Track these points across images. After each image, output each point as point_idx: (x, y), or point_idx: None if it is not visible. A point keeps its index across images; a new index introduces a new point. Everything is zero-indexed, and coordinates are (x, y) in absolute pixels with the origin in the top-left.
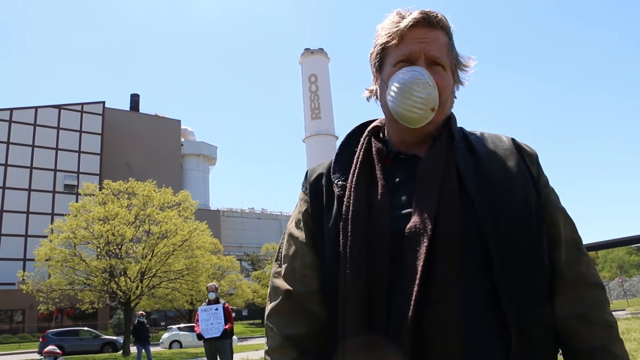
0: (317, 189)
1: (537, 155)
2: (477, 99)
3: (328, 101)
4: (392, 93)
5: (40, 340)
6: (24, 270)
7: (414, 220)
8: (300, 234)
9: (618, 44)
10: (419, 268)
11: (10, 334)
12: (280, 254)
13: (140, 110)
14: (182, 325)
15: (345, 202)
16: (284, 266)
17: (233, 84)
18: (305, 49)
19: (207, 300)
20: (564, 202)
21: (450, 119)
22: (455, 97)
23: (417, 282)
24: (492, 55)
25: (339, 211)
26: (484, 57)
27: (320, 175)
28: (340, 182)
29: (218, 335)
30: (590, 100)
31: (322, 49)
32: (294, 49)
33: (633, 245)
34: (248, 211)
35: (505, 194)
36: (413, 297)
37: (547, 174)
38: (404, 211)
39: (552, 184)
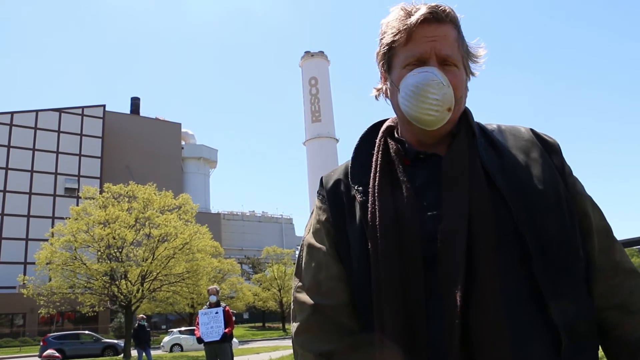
0: (336, 196)
1: (558, 145)
2: (477, 99)
3: (328, 104)
4: (406, 97)
5: (41, 344)
6: (24, 274)
7: (447, 222)
8: (322, 245)
9: (617, 45)
10: (460, 271)
11: (11, 337)
12: (300, 268)
13: (141, 114)
14: (183, 328)
15: (370, 208)
16: (306, 280)
17: (233, 87)
18: (306, 52)
19: (207, 304)
20: None
21: (467, 114)
22: (468, 89)
23: (459, 285)
24: (492, 56)
25: (364, 217)
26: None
27: (337, 182)
28: (360, 187)
29: (218, 339)
30: (590, 100)
31: (322, 52)
32: (294, 52)
33: (634, 247)
34: (249, 214)
35: (534, 188)
36: (458, 302)
37: None
38: (431, 213)
39: None
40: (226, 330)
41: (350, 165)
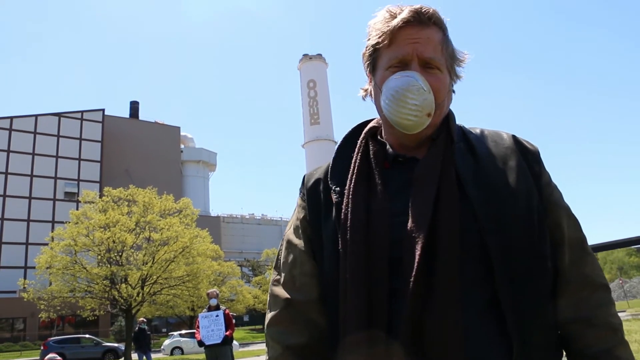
0: (314, 195)
1: (538, 152)
2: (476, 100)
3: (327, 106)
4: (387, 100)
5: (42, 348)
6: (24, 278)
7: (410, 227)
8: (299, 242)
9: (616, 45)
10: (413, 277)
11: (12, 342)
12: (279, 262)
13: (140, 118)
14: (183, 331)
15: (343, 210)
16: (283, 274)
17: (232, 90)
18: (304, 55)
19: (207, 307)
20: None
21: (449, 118)
22: (454, 92)
23: (417, 290)
24: (490, 56)
25: (337, 218)
26: (481, 57)
27: (317, 181)
28: (338, 188)
29: (219, 342)
30: (591, 101)
31: (320, 55)
32: (292, 55)
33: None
34: (248, 217)
35: (506, 198)
36: (409, 306)
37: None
38: (403, 217)
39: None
40: (227, 333)
41: (330, 165)
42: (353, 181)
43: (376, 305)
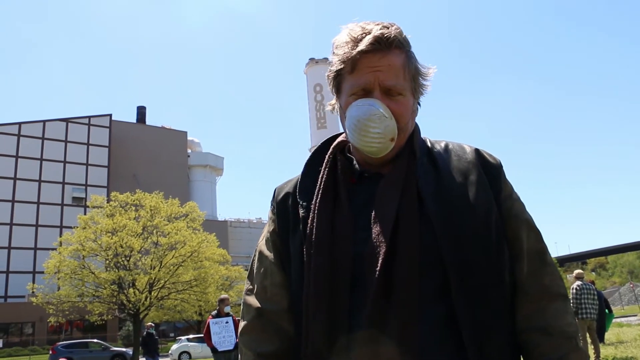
0: (284, 209)
1: (500, 166)
2: (476, 102)
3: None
4: (350, 128)
5: (50, 352)
6: (33, 282)
7: (370, 244)
8: (269, 254)
9: (616, 46)
10: (372, 294)
11: (21, 346)
12: (252, 272)
13: (147, 123)
14: (191, 336)
15: (309, 224)
16: (255, 284)
17: (239, 94)
18: (310, 59)
19: (217, 312)
20: (573, 207)
21: (414, 132)
22: (420, 105)
23: (369, 307)
24: (489, 58)
25: (304, 233)
26: (480, 59)
27: (287, 195)
28: (305, 203)
29: (232, 348)
30: (601, 103)
31: (326, 59)
32: (298, 59)
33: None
34: (255, 221)
35: (465, 213)
36: (366, 322)
37: (554, 179)
38: (366, 233)
39: (559, 189)
40: (237, 339)
41: (299, 179)
42: (319, 196)
43: (337, 321)
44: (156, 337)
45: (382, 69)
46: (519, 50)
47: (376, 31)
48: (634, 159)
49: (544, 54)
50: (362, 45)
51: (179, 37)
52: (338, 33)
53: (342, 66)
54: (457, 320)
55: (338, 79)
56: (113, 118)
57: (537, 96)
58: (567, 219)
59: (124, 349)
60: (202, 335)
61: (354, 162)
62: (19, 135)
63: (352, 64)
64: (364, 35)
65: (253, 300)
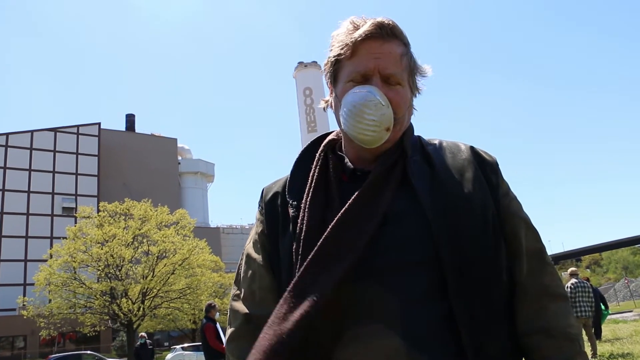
0: (272, 209)
1: (496, 163)
2: (465, 100)
3: (324, 114)
4: (345, 115)
5: None
6: (24, 295)
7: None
8: (257, 256)
9: (606, 42)
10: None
11: None
12: (239, 276)
13: (136, 130)
14: (186, 345)
15: (299, 224)
16: (242, 289)
17: (228, 100)
18: (299, 63)
19: (207, 318)
20: (568, 204)
21: (406, 131)
22: (413, 107)
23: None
24: (488, 57)
25: (294, 233)
26: (470, 58)
27: (275, 195)
28: (295, 202)
29: None
30: (592, 100)
31: (315, 62)
32: (287, 63)
33: (637, 245)
34: (248, 227)
35: (461, 210)
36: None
37: (548, 176)
38: None
39: (551, 187)
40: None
41: (288, 179)
42: (310, 195)
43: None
44: (150, 347)
45: (382, 56)
46: (509, 48)
47: (378, 19)
48: (625, 156)
49: (534, 51)
50: (363, 29)
51: (166, 43)
52: (327, 36)
53: (341, 51)
54: (456, 319)
55: (336, 67)
56: (102, 127)
57: (527, 94)
58: (560, 217)
59: None
60: (197, 343)
61: (346, 160)
62: (6, 146)
63: (352, 48)
64: (365, 22)
65: (240, 306)
